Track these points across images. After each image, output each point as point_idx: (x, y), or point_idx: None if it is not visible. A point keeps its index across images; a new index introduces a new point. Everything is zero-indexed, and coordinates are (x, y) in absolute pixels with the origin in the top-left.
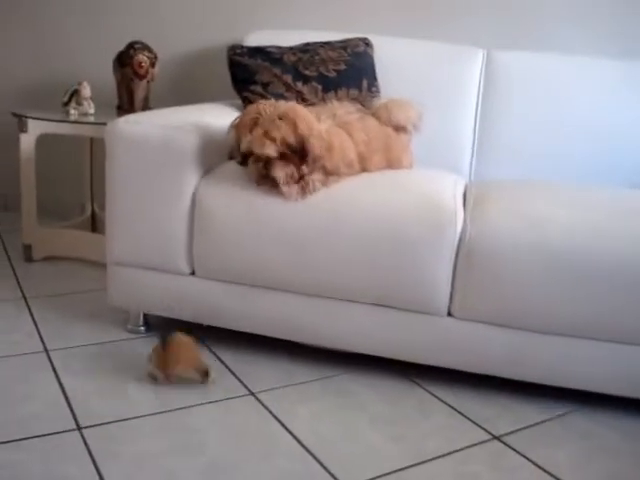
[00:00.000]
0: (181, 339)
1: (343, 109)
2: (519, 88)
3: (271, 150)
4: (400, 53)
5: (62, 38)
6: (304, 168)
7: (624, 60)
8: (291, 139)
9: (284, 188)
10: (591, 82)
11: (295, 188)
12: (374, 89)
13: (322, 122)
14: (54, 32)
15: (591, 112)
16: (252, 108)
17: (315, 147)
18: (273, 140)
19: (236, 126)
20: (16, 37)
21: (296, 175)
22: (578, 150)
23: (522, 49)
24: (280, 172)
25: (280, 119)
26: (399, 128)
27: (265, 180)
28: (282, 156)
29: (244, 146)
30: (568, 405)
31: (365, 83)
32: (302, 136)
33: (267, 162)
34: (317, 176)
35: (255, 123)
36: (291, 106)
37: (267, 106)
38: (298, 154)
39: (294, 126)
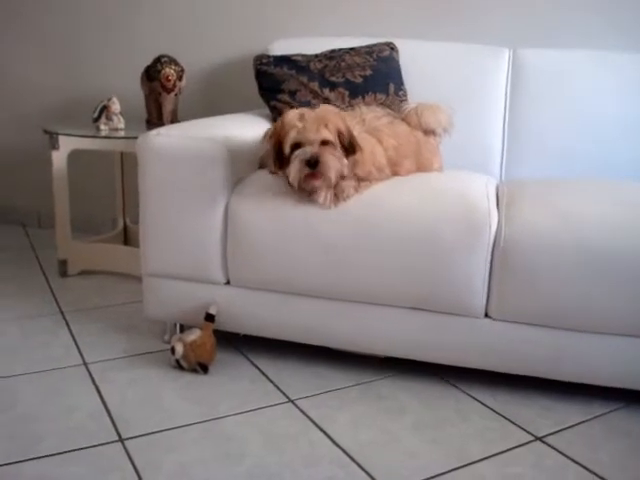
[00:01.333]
0: (206, 333)
1: (372, 114)
2: (546, 86)
3: (327, 133)
4: (426, 56)
5: (90, 54)
6: (346, 167)
7: None
8: (343, 127)
9: (321, 194)
10: (620, 77)
11: (329, 195)
12: (401, 93)
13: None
14: (82, 49)
15: (621, 108)
16: (291, 111)
17: (359, 143)
18: (327, 125)
19: (278, 126)
20: (45, 55)
21: (342, 172)
22: (609, 146)
23: (548, 46)
24: (333, 161)
25: (326, 113)
26: (429, 132)
27: (307, 181)
28: (329, 149)
29: (293, 135)
30: (609, 404)
31: (392, 87)
32: (350, 129)
33: (314, 155)
34: (350, 182)
35: (301, 119)
36: (331, 107)
37: (306, 109)
38: (347, 147)
39: (343, 119)
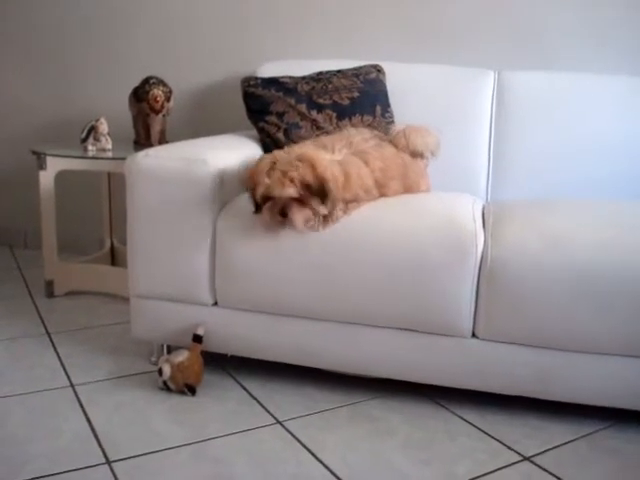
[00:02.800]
0: (194, 354)
1: (360, 136)
2: (532, 108)
3: (292, 191)
4: (412, 78)
5: (78, 75)
6: (322, 208)
7: (637, 76)
8: (310, 179)
9: (302, 229)
10: (604, 99)
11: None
12: (387, 115)
13: (337, 152)
14: (70, 69)
15: (605, 129)
16: (265, 156)
17: (333, 188)
18: (292, 181)
19: (251, 174)
20: (33, 75)
21: (313, 218)
22: (594, 168)
23: (533, 69)
24: (299, 216)
25: (298, 161)
26: (417, 154)
27: (281, 226)
28: (300, 199)
29: (261, 190)
30: (597, 423)
31: (379, 109)
32: (321, 176)
33: (284, 207)
34: (340, 205)
35: (272, 168)
36: (306, 150)
37: (281, 152)
38: (317, 195)
39: (312, 167)
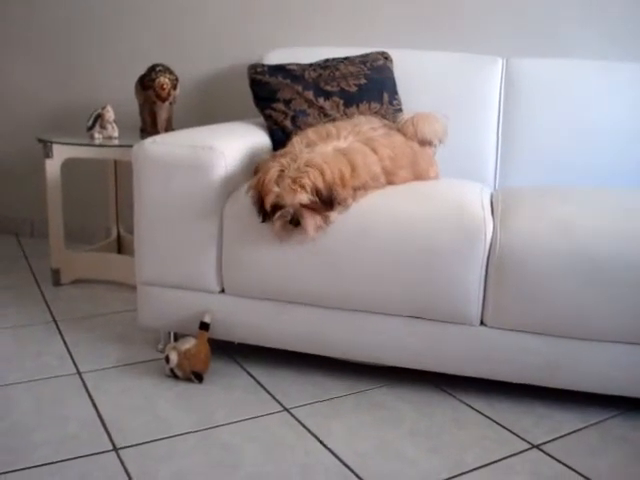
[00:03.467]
0: (201, 341)
1: (368, 124)
2: (540, 95)
3: (304, 197)
4: (419, 65)
5: (84, 63)
6: (333, 214)
7: None
8: (321, 185)
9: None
10: (612, 86)
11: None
12: (395, 102)
13: (343, 139)
14: (76, 57)
15: (613, 116)
16: (272, 164)
17: (342, 195)
18: (303, 187)
19: (258, 183)
20: (39, 64)
21: (323, 224)
22: (601, 154)
23: (541, 56)
24: (311, 223)
25: (306, 166)
26: (425, 142)
27: (291, 235)
28: (310, 206)
29: (272, 199)
30: (606, 411)
31: (386, 96)
32: (331, 183)
33: (295, 215)
34: (349, 192)
35: (280, 176)
36: (314, 156)
37: (288, 159)
38: (327, 200)
39: (322, 173)
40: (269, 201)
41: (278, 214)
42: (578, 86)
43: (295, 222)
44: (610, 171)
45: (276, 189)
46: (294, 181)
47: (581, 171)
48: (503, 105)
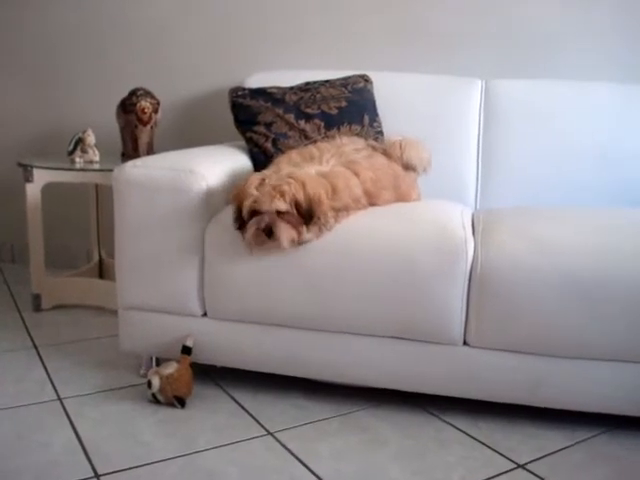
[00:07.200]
0: (183, 366)
1: (352, 146)
2: (519, 116)
3: (281, 204)
4: (399, 87)
5: (65, 87)
6: (307, 234)
7: (624, 84)
8: (301, 197)
9: (287, 247)
10: (590, 106)
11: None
12: (376, 124)
13: (325, 163)
14: (57, 81)
15: (592, 136)
16: (255, 174)
17: (321, 210)
18: (283, 195)
19: (238, 188)
20: (20, 87)
21: (297, 238)
22: (581, 175)
23: (520, 77)
24: (286, 233)
25: (289, 177)
26: (410, 167)
27: (262, 246)
28: (286, 219)
29: (249, 203)
30: (591, 429)
31: (367, 118)
32: (311, 197)
33: (269, 225)
34: (330, 213)
35: (261, 183)
36: (296, 170)
37: (270, 171)
38: (305, 216)
39: (304, 186)
40: (246, 205)
41: (252, 220)
42: (557, 107)
43: (268, 232)
44: (589, 190)
45: (255, 193)
46: (274, 188)
47: (561, 191)
48: (483, 127)
